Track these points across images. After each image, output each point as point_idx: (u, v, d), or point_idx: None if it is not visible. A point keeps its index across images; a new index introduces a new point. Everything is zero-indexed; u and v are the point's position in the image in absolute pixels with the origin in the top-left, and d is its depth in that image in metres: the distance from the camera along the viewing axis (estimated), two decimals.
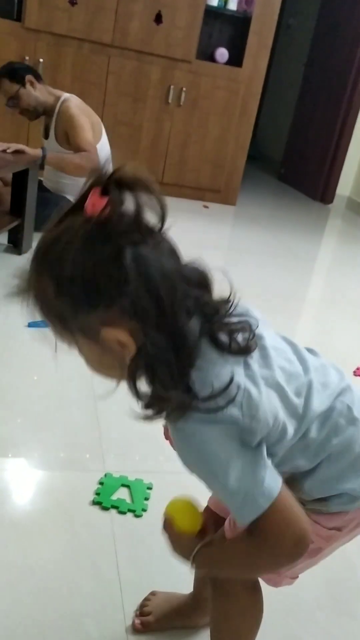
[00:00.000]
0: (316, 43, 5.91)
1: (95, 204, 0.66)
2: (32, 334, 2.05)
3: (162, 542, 0.93)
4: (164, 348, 0.68)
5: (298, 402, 0.77)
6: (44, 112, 3.06)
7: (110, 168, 0.68)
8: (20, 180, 2.71)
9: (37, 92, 2.99)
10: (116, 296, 0.66)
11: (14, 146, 2.75)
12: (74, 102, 3.03)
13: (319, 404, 0.79)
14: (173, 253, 0.72)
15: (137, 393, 0.70)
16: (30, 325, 2.09)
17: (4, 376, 1.87)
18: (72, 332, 0.72)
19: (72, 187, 3.09)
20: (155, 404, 0.71)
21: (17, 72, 2.93)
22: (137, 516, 1.40)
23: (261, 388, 0.73)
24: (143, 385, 0.71)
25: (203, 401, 0.69)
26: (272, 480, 0.71)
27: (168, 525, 0.89)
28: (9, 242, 2.84)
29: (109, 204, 0.66)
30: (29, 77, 2.94)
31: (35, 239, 2.86)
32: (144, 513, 1.41)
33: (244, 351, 0.74)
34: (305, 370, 0.81)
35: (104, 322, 0.68)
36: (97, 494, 1.43)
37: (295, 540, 0.72)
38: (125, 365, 0.70)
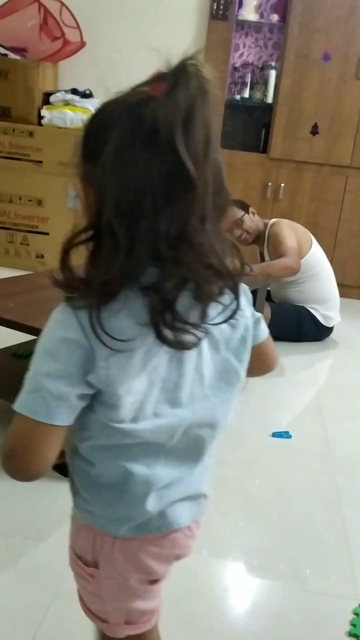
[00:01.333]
0: None
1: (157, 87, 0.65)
2: (276, 443, 2.08)
3: None
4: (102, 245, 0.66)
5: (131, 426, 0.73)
6: (256, 239, 3.32)
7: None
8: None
9: (255, 219, 3.29)
10: (92, 161, 0.66)
11: None
12: (280, 223, 3.25)
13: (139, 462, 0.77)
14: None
15: (64, 255, 0.69)
16: (274, 435, 2.14)
17: (251, 485, 1.90)
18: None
19: (297, 294, 3.25)
20: (67, 277, 0.69)
21: (242, 203, 3.27)
22: None
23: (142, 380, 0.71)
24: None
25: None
26: (35, 403, 0.68)
27: None
28: None
29: (164, 88, 0.64)
30: (252, 208, 3.28)
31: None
32: None
33: (173, 345, 0.69)
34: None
35: (79, 174, 0.70)
36: (353, 625, 1.33)
37: (4, 454, 0.71)
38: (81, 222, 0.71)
